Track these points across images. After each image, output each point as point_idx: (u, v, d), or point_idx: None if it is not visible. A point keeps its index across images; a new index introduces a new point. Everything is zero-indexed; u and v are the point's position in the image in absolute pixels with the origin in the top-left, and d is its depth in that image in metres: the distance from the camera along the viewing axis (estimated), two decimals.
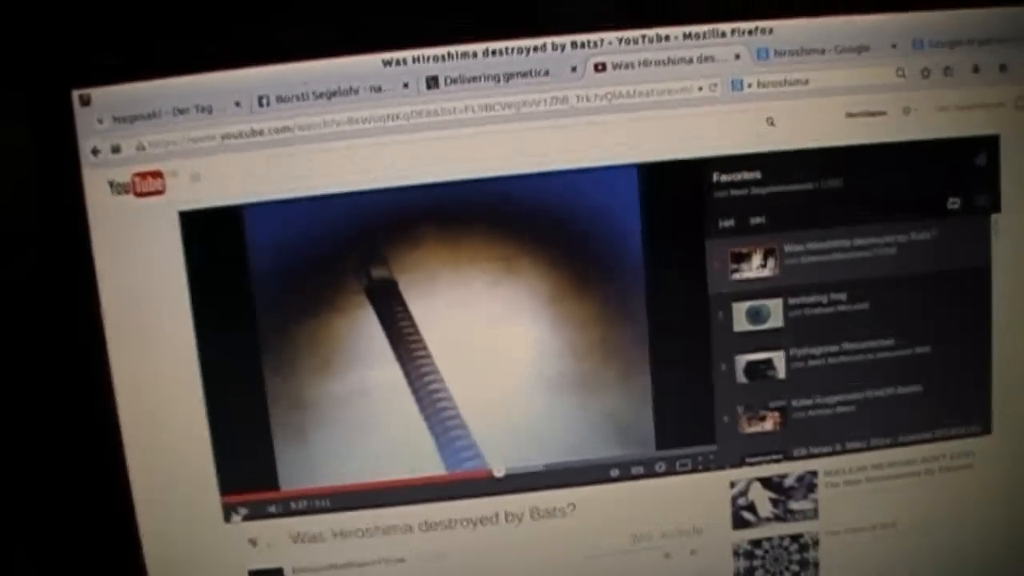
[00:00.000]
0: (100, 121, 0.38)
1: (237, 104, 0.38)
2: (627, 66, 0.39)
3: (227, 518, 0.41)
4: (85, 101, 0.38)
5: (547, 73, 0.38)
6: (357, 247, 0.39)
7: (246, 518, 0.41)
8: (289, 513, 0.41)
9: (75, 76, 0.38)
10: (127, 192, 0.38)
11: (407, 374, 0.40)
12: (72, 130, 0.38)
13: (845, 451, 0.42)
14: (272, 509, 0.41)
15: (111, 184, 0.38)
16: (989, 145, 0.40)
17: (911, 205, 0.41)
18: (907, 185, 0.41)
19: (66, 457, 0.40)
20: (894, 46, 0.39)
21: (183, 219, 0.38)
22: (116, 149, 0.38)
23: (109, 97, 0.38)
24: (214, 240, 0.39)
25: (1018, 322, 0.41)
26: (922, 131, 0.40)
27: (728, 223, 0.40)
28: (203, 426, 0.40)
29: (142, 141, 0.38)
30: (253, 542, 0.41)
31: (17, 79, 0.38)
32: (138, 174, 0.38)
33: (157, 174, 0.38)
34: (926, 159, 0.40)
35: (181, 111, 0.38)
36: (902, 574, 0.43)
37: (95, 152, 0.38)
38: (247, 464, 0.40)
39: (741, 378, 0.41)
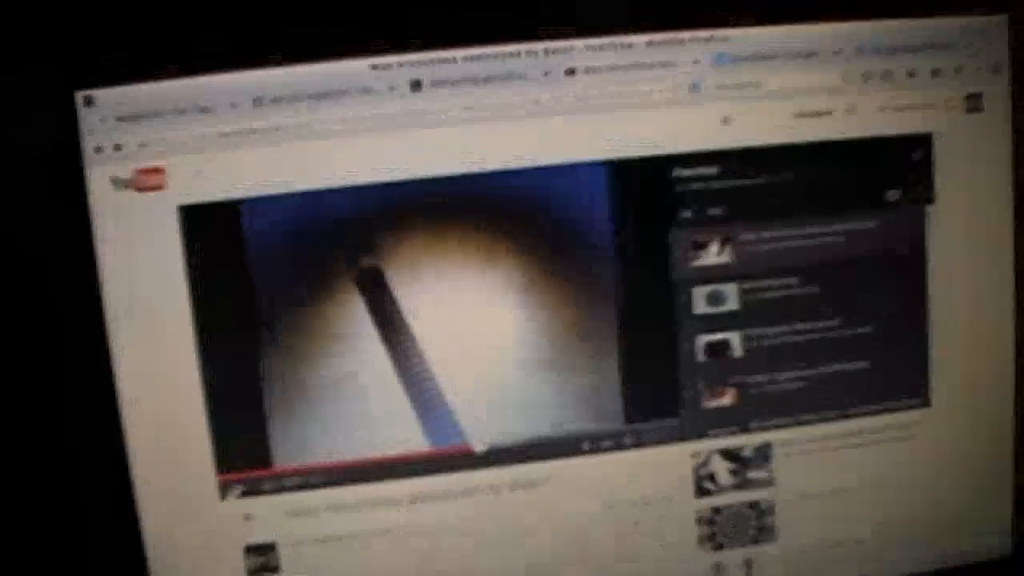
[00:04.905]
0: (103, 121, 0.40)
1: (234, 105, 0.40)
2: (595, 71, 0.42)
3: (223, 496, 0.43)
4: (89, 102, 0.40)
5: (523, 77, 0.42)
6: (347, 238, 0.42)
7: (242, 495, 0.43)
8: (282, 490, 0.43)
9: (79, 78, 0.40)
10: (129, 187, 0.40)
11: (393, 357, 0.43)
12: (76, 129, 0.40)
13: (798, 423, 0.45)
14: (266, 486, 0.43)
15: (113, 180, 0.40)
16: (924, 142, 0.44)
17: (855, 197, 0.44)
18: (851, 178, 0.44)
19: (68, 439, 0.42)
20: (838, 52, 0.43)
21: (182, 213, 0.41)
22: (118, 147, 0.40)
23: (112, 98, 0.40)
24: (212, 233, 0.41)
25: (952, 304, 0.45)
26: (864, 129, 0.44)
27: (688, 214, 0.43)
28: (201, 409, 0.42)
29: (144, 139, 0.40)
30: (249, 518, 0.43)
31: (23, 81, 0.40)
32: (140, 170, 0.40)
33: (158, 170, 0.40)
34: (868, 155, 0.44)
35: (181, 111, 0.40)
36: (854, 537, 0.47)
37: (98, 150, 0.40)
38: (242, 444, 0.43)
39: (701, 357, 0.44)
